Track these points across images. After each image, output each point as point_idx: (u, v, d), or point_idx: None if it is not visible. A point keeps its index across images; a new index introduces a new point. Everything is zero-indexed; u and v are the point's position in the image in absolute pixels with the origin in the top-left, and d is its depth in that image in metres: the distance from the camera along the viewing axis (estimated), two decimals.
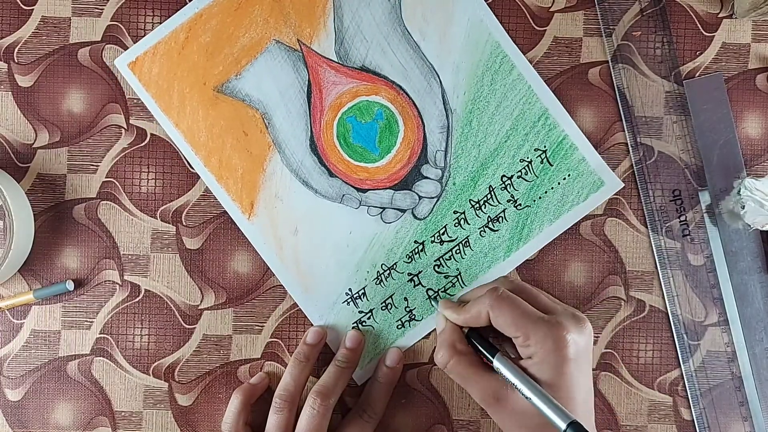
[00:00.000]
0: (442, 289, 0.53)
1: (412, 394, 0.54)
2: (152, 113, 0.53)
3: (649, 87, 0.53)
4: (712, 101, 0.53)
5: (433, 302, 0.53)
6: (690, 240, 0.53)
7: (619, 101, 0.53)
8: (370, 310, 0.54)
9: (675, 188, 0.53)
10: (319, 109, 0.53)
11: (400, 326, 0.53)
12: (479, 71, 0.53)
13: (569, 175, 0.53)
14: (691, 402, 0.53)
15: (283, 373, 0.51)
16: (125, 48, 0.53)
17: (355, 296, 0.53)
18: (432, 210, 0.53)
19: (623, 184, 0.53)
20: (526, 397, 0.44)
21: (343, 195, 0.53)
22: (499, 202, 0.53)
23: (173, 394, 0.54)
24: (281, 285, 0.53)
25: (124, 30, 0.53)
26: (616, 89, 0.53)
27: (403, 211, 0.53)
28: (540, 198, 0.53)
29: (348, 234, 0.53)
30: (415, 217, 0.53)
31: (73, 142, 0.53)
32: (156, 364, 0.54)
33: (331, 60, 0.53)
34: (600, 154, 0.54)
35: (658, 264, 0.54)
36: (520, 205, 0.53)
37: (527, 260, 0.54)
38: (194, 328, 0.54)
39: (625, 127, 0.54)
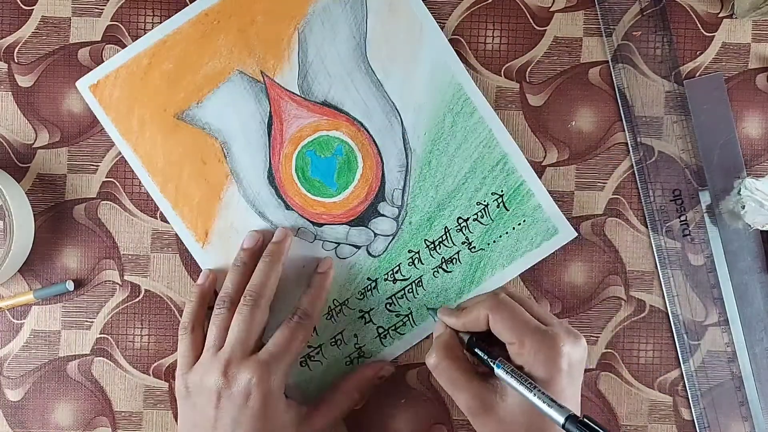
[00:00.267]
0: (393, 328, 0.53)
1: (412, 394, 0.54)
2: (111, 137, 0.53)
3: (650, 87, 0.53)
4: (713, 101, 0.53)
5: (431, 312, 0.52)
6: (690, 240, 0.53)
7: (619, 101, 0.53)
8: (320, 345, 0.53)
9: (675, 188, 0.53)
10: (279, 142, 0.53)
11: (348, 363, 0.53)
12: (441, 112, 0.53)
13: (524, 221, 0.53)
14: (691, 402, 0.53)
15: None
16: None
17: None
18: (387, 248, 0.53)
19: (576, 233, 0.53)
20: (528, 399, 0.44)
21: (299, 228, 0.53)
22: (454, 244, 0.53)
23: (173, 394, 0.54)
24: None
25: (124, 30, 0.53)
26: (617, 89, 0.53)
27: (358, 247, 0.53)
28: (494, 242, 0.53)
29: (301, 267, 0.53)
30: (370, 254, 0.53)
31: (73, 142, 0.53)
32: (156, 364, 0.54)
33: (293, 93, 0.53)
34: (600, 154, 0.54)
35: (658, 264, 0.54)
36: (474, 247, 0.53)
37: None
38: None
39: (625, 127, 0.54)
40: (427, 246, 0.53)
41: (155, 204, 0.53)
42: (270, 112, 0.53)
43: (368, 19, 0.53)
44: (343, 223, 0.53)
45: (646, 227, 0.54)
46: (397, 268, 0.53)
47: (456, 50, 0.53)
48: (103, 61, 0.53)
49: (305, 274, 0.53)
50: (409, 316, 0.53)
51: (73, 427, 0.53)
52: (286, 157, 0.53)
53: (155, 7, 0.53)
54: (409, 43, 0.53)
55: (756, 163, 0.54)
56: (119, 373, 0.54)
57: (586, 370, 0.51)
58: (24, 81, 0.53)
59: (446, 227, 0.53)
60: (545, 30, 0.54)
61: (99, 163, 0.53)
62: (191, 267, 0.53)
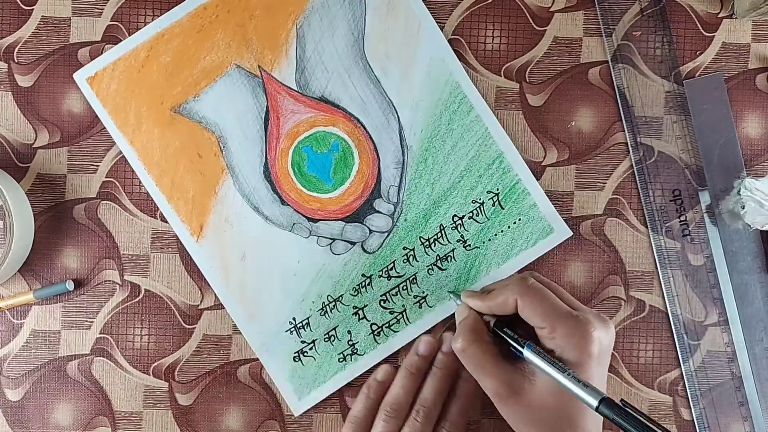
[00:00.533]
0: (387, 325, 0.53)
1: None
2: (108, 129, 0.53)
3: (649, 87, 0.53)
4: (712, 101, 0.53)
5: (453, 296, 0.52)
6: (690, 240, 0.53)
7: (619, 101, 0.53)
8: (313, 341, 0.53)
9: (675, 188, 0.53)
10: (276, 137, 0.53)
11: (341, 359, 0.53)
12: (438, 110, 0.53)
13: (520, 220, 0.53)
14: (691, 402, 0.53)
15: (392, 384, 0.50)
16: None
17: (298, 326, 0.53)
18: (382, 245, 0.53)
19: (571, 233, 0.53)
20: (559, 382, 0.43)
21: (294, 224, 0.53)
22: (449, 242, 0.53)
23: (173, 394, 0.54)
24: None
25: (124, 30, 0.53)
26: (616, 89, 0.53)
27: (353, 243, 0.53)
28: (489, 240, 0.53)
29: (296, 263, 0.53)
30: (365, 250, 0.53)
31: (73, 142, 0.53)
32: (156, 364, 0.54)
33: (290, 88, 0.53)
34: (600, 154, 0.54)
35: (658, 264, 0.54)
36: (469, 245, 0.53)
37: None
38: (194, 328, 0.54)
39: (625, 127, 0.54)
40: (422, 243, 0.53)
41: (155, 204, 0.53)
42: (267, 107, 0.53)
43: (366, 16, 0.53)
44: (338, 219, 0.53)
45: (646, 227, 0.54)
46: (392, 264, 0.53)
47: (456, 50, 0.53)
48: None
49: (300, 269, 0.53)
50: (403, 313, 0.53)
51: (73, 427, 0.54)
52: (283, 152, 0.53)
53: (155, 7, 0.53)
54: (407, 40, 0.53)
55: (756, 163, 0.54)
56: (119, 373, 0.54)
57: None
58: (24, 81, 0.53)
59: (441, 225, 0.53)
60: (545, 30, 0.54)
61: (99, 163, 0.53)
62: (191, 267, 0.53)
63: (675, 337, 0.54)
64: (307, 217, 0.53)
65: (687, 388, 0.53)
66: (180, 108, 0.53)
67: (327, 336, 0.53)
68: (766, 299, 0.53)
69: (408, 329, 0.53)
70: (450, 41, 0.53)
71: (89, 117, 0.53)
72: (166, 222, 0.53)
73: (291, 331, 0.53)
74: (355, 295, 0.53)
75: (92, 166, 0.53)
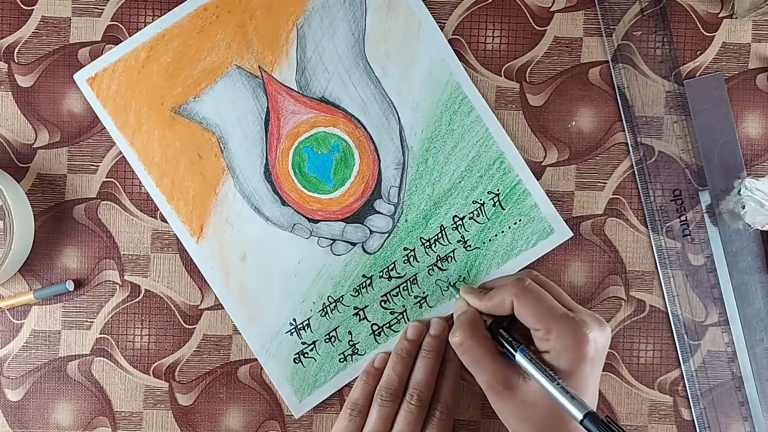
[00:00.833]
0: (387, 325, 0.53)
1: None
2: (108, 130, 0.53)
3: (650, 87, 0.53)
4: (713, 101, 0.53)
5: (452, 289, 0.53)
6: (690, 240, 0.53)
7: (619, 101, 0.53)
8: (313, 342, 0.53)
9: (675, 188, 0.53)
10: (276, 137, 0.53)
11: (342, 360, 0.53)
12: (438, 110, 0.53)
13: (520, 220, 0.53)
14: (691, 402, 0.53)
15: (385, 369, 0.51)
16: None
17: (299, 327, 0.53)
18: (382, 245, 0.53)
19: (572, 234, 0.53)
20: (547, 390, 0.44)
21: (295, 224, 0.53)
22: (450, 242, 0.53)
23: (173, 394, 0.54)
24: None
25: (125, 30, 0.53)
26: (617, 89, 0.53)
27: (354, 244, 0.53)
28: (490, 241, 0.53)
29: (296, 263, 0.53)
30: (365, 251, 0.53)
31: (73, 142, 0.53)
32: (156, 364, 0.54)
33: (291, 89, 0.53)
34: (600, 154, 0.54)
35: (658, 264, 0.54)
36: (469, 246, 0.53)
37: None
38: (194, 328, 0.54)
39: (625, 127, 0.54)
40: (423, 244, 0.53)
41: (155, 204, 0.53)
42: (267, 108, 0.53)
43: (367, 16, 0.53)
44: (339, 220, 0.53)
45: (646, 227, 0.54)
46: (393, 265, 0.53)
47: (456, 50, 0.53)
48: None
49: (301, 270, 0.53)
50: (404, 313, 0.53)
51: (73, 427, 0.53)
52: (283, 152, 0.53)
53: (155, 7, 0.53)
54: (408, 40, 0.53)
55: (756, 163, 0.54)
56: (119, 373, 0.54)
57: None
58: (24, 81, 0.53)
59: (442, 225, 0.53)
60: (545, 30, 0.54)
61: (99, 163, 0.53)
62: (191, 267, 0.53)
63: (675, 337, 0.54)
64: (307, 218, 0.53)
65: (687, 388, 0.53)
66: (180, 108, 0.53)
67: (328, 337, 0.53)
68: (766, 299, 0.53)
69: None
70: (450, 41, 0.53)
71: (89, 117, 0.53)
72: (166, 222, 0.53)
73: (291, 332, 0.53)
74: (356, 296, 0.53)
75: (92, 166, 0.53)
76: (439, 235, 0.53)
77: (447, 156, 0.53)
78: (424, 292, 0.53)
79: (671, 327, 0.54)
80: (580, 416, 0.42)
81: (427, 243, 0.53)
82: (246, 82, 0.53)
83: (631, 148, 0.53)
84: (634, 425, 0.54)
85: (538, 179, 0.53)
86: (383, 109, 0.53)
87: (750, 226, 0.52)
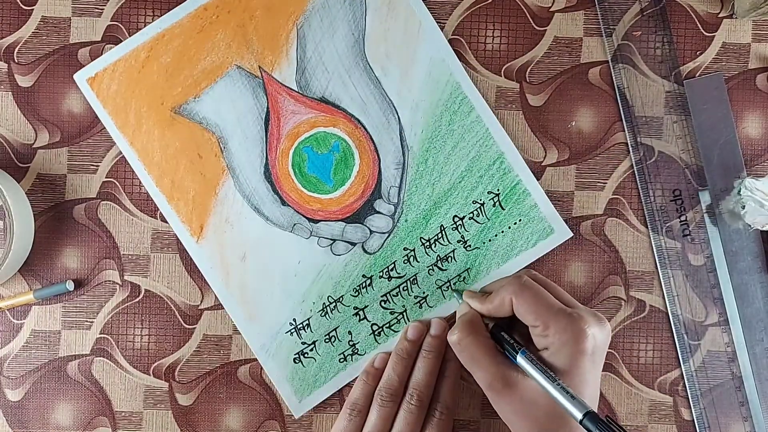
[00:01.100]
0: (387, 325, 0.53)
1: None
2: (108, 130, 0.53)
3: (650, 87, 0.53)
4: (713, 101, 0.53)
5: (455, 294, 0.53)
6: (690, 240, 0.53)
7: (619, 101, 0.53)
8: (313, 342, 0.53)
9: (675, 188, 0.53)
10: (276, 137, 0.53)
11: (342, 360, 0.53)
12: (438, 110, 0.53)
13: (520, 221, 0.53)
14: (691, 402, 0.53)
15: (385, 369, 0.51)
16: None
17: (299, 327, 0.53)
18: (382, 245, 0.53)
19: (572, 234, 0.53)
20: (547, 391, 0.44)
21: (295, 224, 0.53)
22: (450, 242, 0.53)
23: (173, 394, 0.54)
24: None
25: (125, 30, 0.53)
26: (617, 89, 0.53)
27: (354, 244, 0.53)
28: (490, 241, 0.53)
29: (296, 263, 0.53)
30: (365, 251, 0.53)
31: (73, 142, 0.53)
32: (156, 364, 0.54)
33: (291, 89, 0.53)
34: (600, 154, 0.54)
35: (658, 264, 0.54)
36: (469, 246, 0.53)
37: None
38: (194, 328, 0.54)
39: (625, 127, 0.54)
40: (423, 244, 0.53)
41: (155, 204, 0.53)
42: (267, 108, 0.53)
43: (367, 16, 0.53)
44: (339, 220, 0.53)
45: (646, 227, 0.54)
46: (393, 265, 0.53)
47: (456, 50, 0.53)
48: None
49: (301, 270, 0.53)
50: (404, 313, 0.53)
51: (73, 427, 0.54)
52: (283, 152, 0.53)
53: (155, 7, 0.53)
54: (408, 40, 0.53)
55: (756, 163, 0.54)
56: (119, 373, 0.54)
57: None
58: (24, 81, 0.53)
59: (442, 225, 0.53)
60: (545, 30, 0.54)
61: (99, 163, 0.53)
62: (191, 267, 0.53)
63: (675, 337, 0.54)
64: (307, 218, 0.53)
65: (687, 388, 0.53)
66: (180, 108, 0.53)
67: (327, 337, 0.53)
68: (766, 299, 0.53)
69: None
70: (450, 41, 0.53)
71: (89, 117, 0.53)
72: (166, 222, 0.53)
73: (291, 333, 0.53)
74: (356, 296, 0.53)
75: (92, 166, 0.53)
76: (439, 235, 0.53)
77: (447, 156, 0.53)
78: (424, 292, 0.53)
79: (671, 327, 0.54)
80: (579, 416, 0.42)
81: (427, 243, 0.53)
82: (246, 82, 0.53)
83: (631, 148, 0.53)
84: (634, 425, 0.54)
85: (538, 179, 0.53)
86: (383, 109, 0.53)
87: (750, 226, 0.52)
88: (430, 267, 0.53)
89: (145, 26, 0.53)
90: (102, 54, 0.53)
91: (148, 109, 0.53)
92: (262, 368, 0.53)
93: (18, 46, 0.53)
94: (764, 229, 0.52)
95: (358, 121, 0.53)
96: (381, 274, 0.53)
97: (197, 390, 0.54)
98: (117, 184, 0.53)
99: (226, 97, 0.53)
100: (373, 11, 0.53)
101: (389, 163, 0.53)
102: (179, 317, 0.54)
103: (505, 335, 0.47)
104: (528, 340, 0.48)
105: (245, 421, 0.54)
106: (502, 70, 0.54)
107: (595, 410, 0.46)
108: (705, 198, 0.53)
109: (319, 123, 0.53)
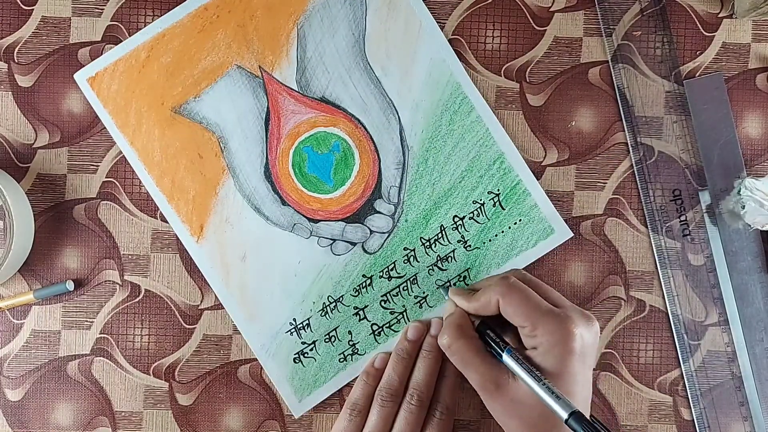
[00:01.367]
0: (387, 325, 0.53)
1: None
2: (108, 129, 0.53)
3: (649, 87, 0.53)
4: (713, 101, 0.53)
5: (442, 290, 0.53)
6: (690, 240, 0.53)
7: (619, 101, 0.53)
8: (313, 342, 0.53)
9: (675, 188, 0.53)
10: (276, 137, 0.53)
11: (342, 359, 0.53)
12: (438, 110, 0.53)
13: (520, 220, 0.53)
14: (691, 402, 0.53)
15: (385, 370, 0.51)
16: None
17: (299, 326, 0.53)
18: (382, 245, 0.53)
19: (572, 234, 0.53)
20: (533, 390, 0.44)
21: (295, 224, 0.53)
22: (450, 242, 0.53)
23: (173, 394, 0.54)
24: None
25: (125, 30, 0.53)
26: (616, 89, 0.53)
27: (354, 244, 0.53)
28: (490, 241, 0.53)
29: (297, 263, 0.53)
30: (365, 251, 0.53)
31: (73, 142, 0.53)
32: (156, 364, 0.54)
33: (291, 89, 0.53)
34: (600, 154, 0.54)
35: (658, 264, 0.54)
36: (469, 246, 0.53)
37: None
38: (194, 328, 0.54)
39: (625, 127, 0.54)
40: (423, 244, 0.53)
41: (155, 204, 0.53)
42: (268, 108, 0.53)
43: (367, 16, 0.53)
44: (339, 220, 0.53)
45: (646, 227, 0.54)
46: (393, 265, 0.53)
47: (456, 50, 0.53)
48: None
49: (301, 270, 0.53)
50: (404, 313, 0.53)
51: (73, 427, 0.54)
52: (283, 152, 0.53)
53: (155, 7, 0.53)
54: (408, 40, 0.53)
55: (756, 163, 0.54)
56: (119, 373, 0.54)
57: None
58: (24, 81, 0.53)
59: (442, 225, 0.53)
60: (545, 30, 0.54)
61: (99, 163, 0.53)
62: (191, 267, 0.53)
63: (675, 337, 0.54)
64: (307, 218, 0.53)
65: (687, 388, 0.53)
66: (180, 108, 0.53)
67: (327, 336, 0.53)
68: (766, 299, 0.53)
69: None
70: (450, 41, 0.53)
71: (89, 117, 0.53)
72: (166, 222, 0.53)
73: (291, 332, 0.53)
74: (356, 296, 0.53)
75: (92, 166, 0.53)
76: (439, 235, 0.53)
77: (447, 156, 0.53)
78: (424, 292, 0.53)
79: (671, 327, 0.54)
80: (565, 415, 0.42)
81: (427, 243, 0.53)
82: (246, 81, 0.53)
83: (630, 148, 0.53)
84: (634, 425, 0.54)
85: (538, 179, 0.53)
86: (383, 109, 0.53)
87: (750, 226, 0.52)
88: (430, 267, 0.53)
89: (145, 26, 0.53)
90: (102, 54, 0.53)
91: (148, 108, 0.53)
92: (262, 368, 0.53)
93: (18, 46, 0.53)
94: (764, 229, 0.52)
95: (359, 121, 0.53)
96: (381, 274, 0.53)
97: (197, 390, 0.54)
98: (117, 184, 0.53)
99: (227, 96, 0.53)
100: (374, 11, 0.53)
101: (389, 163, 0.53)
102: (179, 317, 0.54)
103: (491, 333, 0.48)
104: (516, 338, 0.48)
105: (245, 421, 0.54)
106: (502, 70, 0.54)
107: (588, 410, 0.46)
108: (705, 198, 0.53)
109: (320, 123, 0.53)
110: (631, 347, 0.54)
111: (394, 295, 0.53)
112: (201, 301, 0.54)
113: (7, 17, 0.53)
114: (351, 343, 0.53)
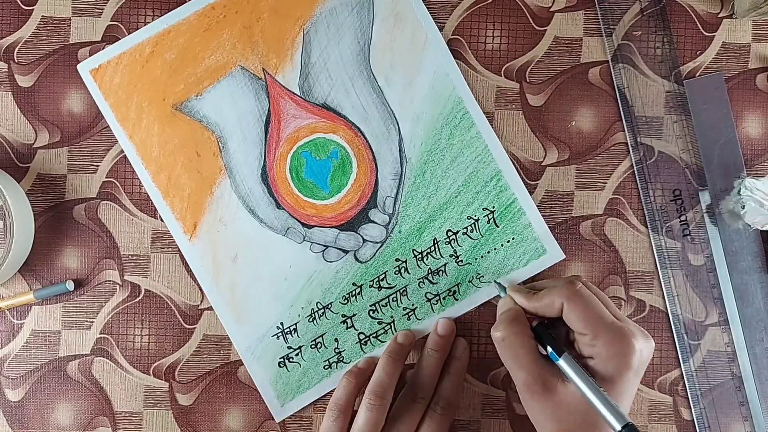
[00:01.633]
0: (374, 335, 0.53)
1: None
2: (107, 121, 0.53)
3: (650, 87, 0.53)
4: (713, 101, 0.53)
5: (496, 286, 0.52)
6: (690, 240, 0.53)
7: (619, 101, 0.53)
8: (299, 347, 0.53)
9: (675, 188, 0.53)
10: (275, 140, 0.53)
11: (327, 366, 0.53)
12: (439, 124, 0.53)
13: (513, 239, 0.53)
14: (691, 402, 0.53)
15: (375, 370, 0.51)
16: None
17: (285, 331, 0.53)
18: (374, 255, 0.53)
19: (564, 256, 0.53)
20: (587, 397, 0.44)
21: (288, 228, 0.53)
22: (442, 256, 0.53)
23: (174, 394, 0.54)
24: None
25: (124, 30, 0.53)
26: (617, 89, 0.53)
27: (346, 252, 0.53)
28: (482, 257, 0.53)
29: (288, 267, 0.53)
30: (357, 259, 0.53)
31: (73, 142, 0.53)
32: (156, 364, 0.54)
33: (293, 93, 0.53)
34: (600, 154, 0.54)
35: (658, 264, 0.54)
36: (461, 261, 0.53)
37: None
38: (194, 328, 0.54)
39: (625, 127, 0.54)
40: (415, 256, 0.53)
41: (155, 204, 0.53)
42: (269, 110, 0.53)
43: (374, 25, 0.53)
44: (332, 227, 0.53)
45: (646, 227, 0.54)
46: (383, 275, 0.53)
47: (456, 50, 0.53)
48: None
49: (291, 274, 0.53)
50: (392, 324, 0.53)
51: (73, 427, 0.54)
52: (282, 156, 0.53)
53: (155, 7, 0.53)
54: (413, 52, 0.53)
55: (756, 163, 0.54)
56: (119, 373, 0.54)
57: None
58: (24, 81, 0.53)
59: (435, 239, 0.53)
60: (545, 30, 0.54)
61: (99, 163, 0.53)
62: (191, 267, 0.53)
63: (675, 337, 0.54)
64: (301, 223, 0.53)
65: (687, 388, 0.53)
66: (181, 105, 0.53)
67: (314, 343, 0.53)
68: (766, 299, 0.53)
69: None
70: (450, 41, 0.53)
71: (89, 117, 0.53)
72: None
73: (278, 336, 0.53)
74: (345, 304, 0.53)
75: (92, 166, 0.53)
76: (432, 249, 0.53)
77: (445, 170, 0.53)
78: (413, 304, 0.53)
79: (671, 327, 0.54)
80: (618, 427, 0.42)
81: (420, 255, 0.53)
82: (249, 83, 0.53)
83: (631, 148, 0.53)
84: None
85: (537, 179, 0.53)
86: (384, 119, 0.53)
87: (750, 226, 0.52)
88: (421, 279, 0.53)
89: (145, 26, 0.53)
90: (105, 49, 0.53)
91: (149, 103, 0.53)
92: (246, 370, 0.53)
93: (18, 46, 0.53)
94: (764, 229, 0.52)
95: (359, 129, 0.53)
96: (371, 283, 0.53)
97: (197, 390, 0.54)
98: (117, 184, 0.53)
99: (228, 96, 0.53)
100: (381, 21, 0.52)
101: (387, 174, 0.53)
102: (179, 317, 0.54)
103: (551, 335, 0.47)
104: (567, 343, 0.47)
105: (245, 421, 0.54)
106: (502, 70, 0.54)
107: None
108: (705, 198, 0.53)
109: (319, 129, 0.53)
110: None
111: (383, 306, 0.53)
112: (201, 301, 0.54)
113: (7, 17, 0.53)
114: (337, 350, 0.53)
